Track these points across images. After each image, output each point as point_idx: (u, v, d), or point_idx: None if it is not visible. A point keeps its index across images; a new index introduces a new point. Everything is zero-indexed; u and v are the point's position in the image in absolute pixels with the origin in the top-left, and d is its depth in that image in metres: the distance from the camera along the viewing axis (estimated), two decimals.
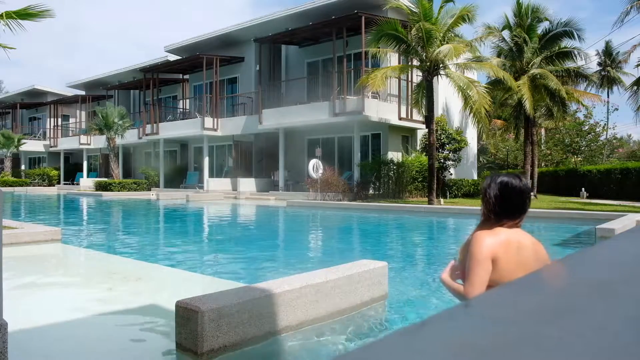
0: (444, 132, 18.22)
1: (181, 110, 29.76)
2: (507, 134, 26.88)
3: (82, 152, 34.96)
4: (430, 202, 14.51)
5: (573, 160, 29.86)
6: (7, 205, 16.18)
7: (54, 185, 33.80)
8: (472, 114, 15.02)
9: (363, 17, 17.39)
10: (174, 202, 18.77)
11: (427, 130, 15.82)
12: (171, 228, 11.35)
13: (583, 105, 24.95)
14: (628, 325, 0.47)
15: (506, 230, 2.12)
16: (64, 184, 34.12)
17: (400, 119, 19.13)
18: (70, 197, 23.65)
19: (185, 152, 28.49)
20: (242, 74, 25.35)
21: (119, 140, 28.35)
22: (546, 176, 25.80)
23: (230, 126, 23.64)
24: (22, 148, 35.24)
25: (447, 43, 14.38)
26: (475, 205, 13.46)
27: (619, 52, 35.57)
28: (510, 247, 2.07)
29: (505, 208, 2.13)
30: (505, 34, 19.93)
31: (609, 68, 36.06)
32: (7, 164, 34.47)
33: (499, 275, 2.03)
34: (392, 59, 18.24)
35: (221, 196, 21.06)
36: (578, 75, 20.65)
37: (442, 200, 15.79)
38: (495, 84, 19.46)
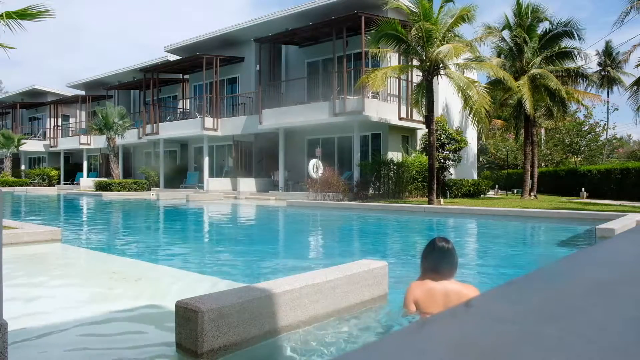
0: (444, 132, 18.21)
1: (181, 110, 29.77)
2: (507, 134, 26.90)
3: (82, 152, 34.98)
4: (430, 202, 14.51)
5: (573, 160, 29.89)
6: (7, 205, 16.18)
7: (54, 185, 33.80)
8: (472, 114, 15.01)
9: (363, 17, 17.39)
10: (174, 202, 18.77)
11: (427, 130, 15.82)
12: (171, 228, 11.35)
13: (583, 105, 24.97)
14: (628, 325, 0.47)
15: (432, 282, 2.72)
16: (64, 184, 34.12)
17: (400, 119, 19.13)
18: (70, 197, 23.64)
19: (185, 152, 28.49)
20: (242, 74, 25.36)
21: (119, 140, 28.36)
22: (546, 176, 25.80)
23: (230, 126, 23.64)
24: (22, 148, 35.26)
25: (447, 43, 14.38)
26: (475, 206, 13.46)
27: (619, 52, 35.65)
28: (432, 294, 2.67)
29: (431, 263, 2.78)
30: (505, 34, 19.92)
31: (609, 68, 36.09)
32: (7, 164, 34.48)
33: (424, 315, 2.63)
34: (392, 59, 18.24)
35: (221, 196, 21.06)
36: (578, 75, 20.64)
37: (442, 200, 15.79)
38: (495, 84, 19.46)
